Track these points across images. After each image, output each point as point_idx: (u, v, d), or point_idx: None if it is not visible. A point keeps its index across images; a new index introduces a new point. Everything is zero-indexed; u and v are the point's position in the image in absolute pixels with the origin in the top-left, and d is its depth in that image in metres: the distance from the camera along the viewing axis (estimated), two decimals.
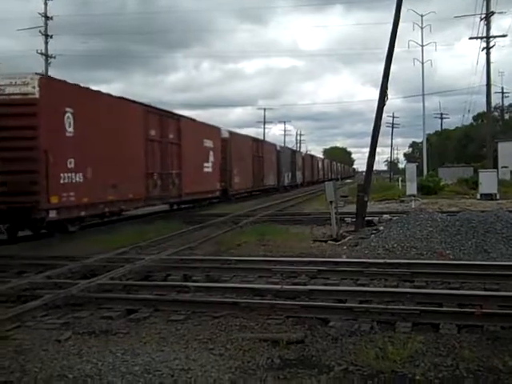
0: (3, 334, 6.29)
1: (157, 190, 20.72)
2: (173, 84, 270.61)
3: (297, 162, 57.21)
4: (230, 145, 31.75)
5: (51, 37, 44.38)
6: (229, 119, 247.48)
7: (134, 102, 19.72)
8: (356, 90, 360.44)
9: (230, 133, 32.17)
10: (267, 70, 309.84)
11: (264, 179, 40.77)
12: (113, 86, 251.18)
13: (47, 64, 43.71)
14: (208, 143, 27.47)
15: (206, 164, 26.98)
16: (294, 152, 58.61)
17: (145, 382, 4.84)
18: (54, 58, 44.25)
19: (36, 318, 7.03)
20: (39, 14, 43.87)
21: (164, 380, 4.87)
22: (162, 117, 21.72)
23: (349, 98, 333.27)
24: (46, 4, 44.08)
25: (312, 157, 75.96)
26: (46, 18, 44.13)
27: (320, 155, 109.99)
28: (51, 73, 39.54)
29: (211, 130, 28.52)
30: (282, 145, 63.86)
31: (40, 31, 43.94)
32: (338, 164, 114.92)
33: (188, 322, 6.81)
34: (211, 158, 27.68)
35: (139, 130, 19.49)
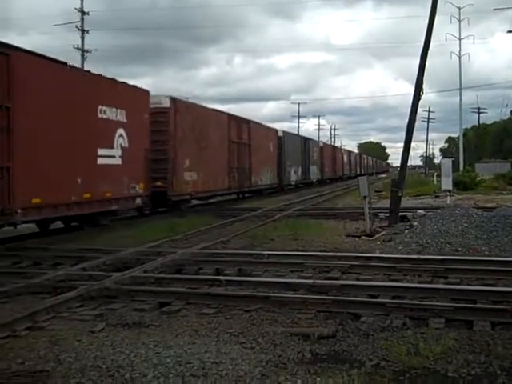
0: (39, 325, 6.42)
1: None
2: (205, 78, 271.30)
3: (311, 153, 46.27)
4: (174, 120, 20.47)
5: (87, 32, 44.98)
6: (262, 113, 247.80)
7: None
8: (389, 84, 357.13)
9: (174, 99, 20.73)
10: (299, 64, 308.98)
11: (253, 176, 30.10)
12: (145, 80, 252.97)
13: (83, 59, 44.26)
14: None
15: None
16: (306, 140, 46.39)
17: (176, 373, 4.88)
18: (90, 52, 44.82)
19: (71, 309, 7.13)
20: (76, 9, 44.49)
21: (195, 372, 4.90)
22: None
23: (382, 93, 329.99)
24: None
25: (334, 148, 66.84)
26: (83, 13, 44.68)
27: (355, 150, 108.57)
28: (87, 67, 39.89)
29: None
30: (294, 132, 53.01)
31: (76, 26, 44.57)
32: (370, 158, 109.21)
33: (219, 315, 6.84)
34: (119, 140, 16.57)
35: (224, 134, 25.55)
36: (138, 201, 17.71)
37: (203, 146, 22.70)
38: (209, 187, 23.65)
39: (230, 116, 27.16)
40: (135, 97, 17.45)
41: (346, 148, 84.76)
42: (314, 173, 48.30)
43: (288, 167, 38.40)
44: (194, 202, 23.72)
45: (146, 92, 18.57)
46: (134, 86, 17.87)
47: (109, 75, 15.94)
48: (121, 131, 16.38)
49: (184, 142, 21.02)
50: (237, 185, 27.47)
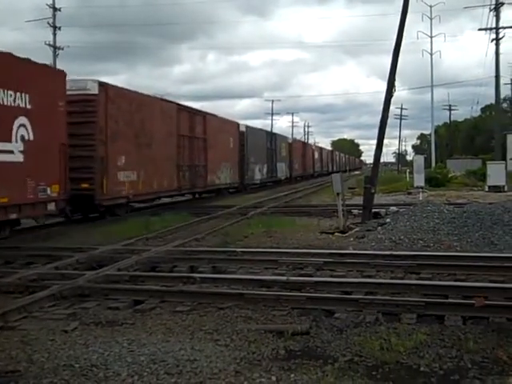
0: (11, 325, 6.35)
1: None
2: (178, 76, 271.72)
3: (278, 149, 44.07)
4: (105, 109, 17.31)
5: (59, 28, 44.46)
6: (235, 111, 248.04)
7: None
8: (361, 81, 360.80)
9: (104, 85, 17.36)
10: (272, 62, 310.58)
11: (210, 174, 27.11)
12: (118, 77, 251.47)
13: (55, 56, 43.75)
14: None
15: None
16: (272, 136, 43.85)
17: (150, 372, 4.87)
18: (62, 49, 44.31)
19: (43, 308, 7.07)
20: (47, 5, 43.95)
21: (169, 370, 4.90)
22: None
23: (354, 90, 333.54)
24: None
25: (304, 144, 63.76)
26: (54, 9, 44.17)
27: (328, 147, 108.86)
28: (59, 65, 39.57)
29: None
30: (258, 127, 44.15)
31: (48, 23, 44.01)
32: (342, 155, 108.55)
33: (194, 312, 6.84)
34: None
35: (172, 127, 22.89)
36: (51, 206, 14.09)
37: (145, 141, 19.60)
38: (152, 188, 20.19)
39: (180, 106, 23.90)
40: (46, 79, 13.94)
41: (320, 145, 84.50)
42: (282, 170, 46.12)
43: (252, 164, 35.80)
44: (140, 205, 21.64)
45: (60, 73, 15.06)
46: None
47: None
48: (22, 120, 12.89)
49: (118, 137, 17.77)
50: (189, 184, 24.32)
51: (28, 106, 13.11)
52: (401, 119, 76.35)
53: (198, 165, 25.48)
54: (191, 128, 24.83)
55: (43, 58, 40.58)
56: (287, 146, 48.44)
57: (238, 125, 33.56)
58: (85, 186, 16.39)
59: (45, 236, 14.32)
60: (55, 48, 43.91)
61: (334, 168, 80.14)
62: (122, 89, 18.83)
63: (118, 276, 8.77)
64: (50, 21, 44.02)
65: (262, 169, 38.66)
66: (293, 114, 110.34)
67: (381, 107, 17.11)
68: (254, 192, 34.11)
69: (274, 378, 4.73)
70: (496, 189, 28.80)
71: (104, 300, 7.47)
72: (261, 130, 42.09)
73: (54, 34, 44.15)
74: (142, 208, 21.73)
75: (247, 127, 35.61)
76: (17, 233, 14.62)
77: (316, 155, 66.54)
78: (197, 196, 28.22)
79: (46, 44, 43.68)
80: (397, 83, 17.00)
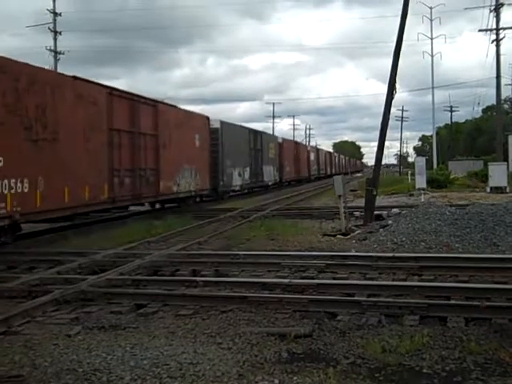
0: (14, 329, 6.36)
1: None
2: (178, 79, 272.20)
3: (265, 150, 38.48)
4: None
5: (60, 33, 44.57)
6: (236, 114, 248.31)
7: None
8: (361, 84, 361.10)
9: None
10: (272, 65, 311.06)
11: (164, 181, 20.68)
12: (119, 81, 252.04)
13: (56, 60, 43.86)
14: None
15: None
16: (257, 134, 37.39)
17: (153, 375, 4.87)
18: (63, 54, 44.43)
19: (46, 313, 7.08)
20: (48, 10, 44.06)
21: (172, 373, 4.91)
22: None
23: (354, 92, 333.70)
24: (54, 1, 44.30)
25: (298, 144, 56.39)
26: (55, 14, 44.29)
27: (330, 149, 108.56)
28: (61, 69, 39.77)
29: None
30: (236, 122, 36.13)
31: (49, 28, 44.16)
32: (342, 156, 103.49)
33: (196, 316, 6.85)
34: None
35: (98, 118, 16.78)
36: None
37: (45, 136, 13.74)
38: (61, 202, 14.22)
39: (114, 91, 17.49)
40: None
41: (321, 147, 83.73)
42: (270, 174, 40.42)
43: (228, 168, 29.85)
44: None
45: None
46: None
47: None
48: None
49: None
50: (128, 194, 17.91)
51: None
52: (402, 121, 76.16)
53: (145, 169, 19.07)
54: (134, 121, 18.40)
55: (45, 62, 40.84)
56: (276, 147, 43.05)
57: (207, 119, 26.61)
58: None
59: (47, 241, 14.33)
60: (56, 53, 44.01)
61: (334, 171, 76.51)
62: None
63: (121, 280, 8.77)
64: (51, 26, 44.17)
65: (242, 173, 32.89)
66: (294, 116, 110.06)
67: (381, 109, 17.14)
68: (225, 202, 27.68)
69: (276, 381, 4.74)
70: (498, 190, 28.79)
71: (107, 304, 7.48)
72: (242, 127, 35.16)
73: (55, 39, 44.33)
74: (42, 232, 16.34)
75: (222, 123, 29.32)
76: (16, 239, 14.65)
77: (312, 157, 61.10)
78: (158, 206, 23.31)
79: (46, 49, 43.85)
80: (397, 85, 17.03)
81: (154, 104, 20.44)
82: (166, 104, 22.44)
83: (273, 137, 45.31)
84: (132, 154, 18.33)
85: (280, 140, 46.21)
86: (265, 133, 41.80)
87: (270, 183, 40.44)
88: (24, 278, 8.92)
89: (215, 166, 27.63)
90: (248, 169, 34.11)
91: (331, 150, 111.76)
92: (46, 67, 18.41)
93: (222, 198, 28.97)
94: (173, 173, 21.82)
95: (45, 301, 7.37)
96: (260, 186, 38.26)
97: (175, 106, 23.35)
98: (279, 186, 43.20)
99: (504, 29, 40.96)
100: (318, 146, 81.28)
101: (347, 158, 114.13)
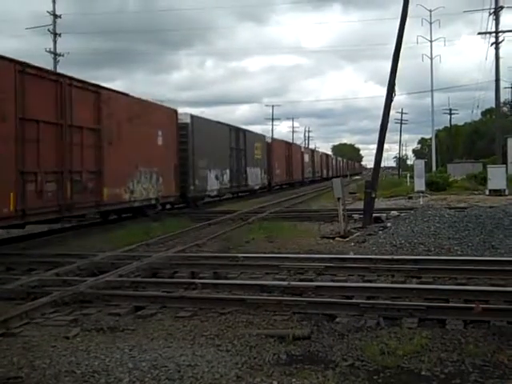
0: (12, 331, 6.36)
1: None
2: (177, 82, 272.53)
3: (249, 150, 34.62)
4: None
5: (60, 35, 44.59)
6: (235, 116, 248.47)
7: None
8: (360, 86, 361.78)
9: None
10: (271, 67, 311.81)
11: (110, 187, 16.76)
12: (117, 83, 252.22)
13: (56, 62, 43.86)
14: None
15: None
16: (239, 132, 33.20)
17: (152, 377, 4.87)
18: (63, 56, 44.42)
19: (45, 314, 7.07)
20: (48, 12, 44.09)
21: (171, 376, 4.90)
22: None
23: (353, 95, 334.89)
24: (54, 2, 44.34)
25: (290, 145, 51.50)
26: (55, 16, 44.31)
27: (329, 152, 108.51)
28: (60, 70, 39.49)
29: None
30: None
31: (49, 30, 44.17)
32: (340, 158, 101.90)
33: (195, 318, 6.84)
34: None
35: None
36: None
37: None
38: None
39: (29, 68, 13.25)
40: None
41: (320, 150, 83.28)
42: (257, 177, 36.48)
43: (202, 170, 25.61)
44: None
45: None
46: None
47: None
48: None
49: None
50: (52, 205, 13.85)
51: None
52: (401, 123, 76.27)
53: (81, 171, 15.29)
54: (62, 109, 14.49)
55: (44, 64, 40.76)
56: (264, 147, 38.98)
57: (175, 113, 22.88)
58: None
59: (45, 243, 14.31)
60: (56, 55, 44.02)
61: (330, 173, 73.78)
62: None
63: (119, 282, 8.77)
64: (51, 28, 44.18)
65: (220, 176, 28.67)
66: (293, 119, 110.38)
67: (380, 112, 17.18)
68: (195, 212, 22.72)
69: (275, 383, 4.74)
70: (497, 192, 28.84)
71: (105, 306, 7.47)
72: (220, 123, 30.56)
73: (55, 41, 44.30)
74: None
75: (194, 117, 24.94)
76: (16, 240, 14.67)
77: (306, 158, 57.46)
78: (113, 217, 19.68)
79: (46, 51, 43.83)
80: (396, 88, 17.06)
81: (95, 90, 16.37)
82: (114, 91, 17.83)
83: (259, 136, 40.22)
84: (59, 152, 14.25)
85: (268, 140, 42.51)
86: (249, 131, 37.20)
87: (256, 187, 36.52)
88: (23, 280, 8.91)
89: (184, 167, 23.58)
90: (228, 171, 30.05)
91: (330, 152, 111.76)
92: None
93: (196, 206, 25.16)
94: (124, 177, 17.67)
95: (43, 302, 7.36)
96: (244, 191, 34.47)
97: (127, 95, 18.65)
98: (268, 190, 40.09)
99: (503, 32, 41.09)
100: (317, 149, 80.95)
101: (345, 160, 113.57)
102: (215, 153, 27.44)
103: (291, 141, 68.17)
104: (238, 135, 32.54)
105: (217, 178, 28.03)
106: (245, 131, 34.98)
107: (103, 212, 18.01)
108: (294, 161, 49.38)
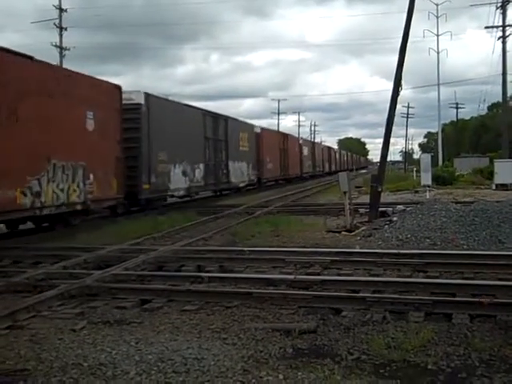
0: (20, 324, 6.38)
1: None
2: (182, 76, 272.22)
3: (233, 141, 29.53)
4: None
5: (65, 29, 44.53)
6: (240, 110, 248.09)
7: None
8: (365, 80, 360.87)
9: None
10: (276, 62, 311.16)
11: (3, 188, 11.79)
12: (122, 78, 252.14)
13: (62, 56, 43.83)
14: None
15: None
16: (218, 119, 27.85)
17: (158, 370, 4.88)
18: (69, 50, 44.33)
19: (51, 307, 7.10)
20: (54, 6, 44.02)
21: (177, 368, 4.92)
22: None
23: (358, 89, 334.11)
24: None
25: (285, 136, 45.32)
26: (61, 10, 44.25)
27: (335, 146, 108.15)
28: (66, 65, 39.56)
29: None
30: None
31: (55, 24, 44.09)
32: (343, 152, 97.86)
33: (201, 311, 6.85)
34: None
35: None
36: None
37: None
38: None
39: None
40: None
41: (326, 144, 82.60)
42: (242, 173, 31.55)
43: (163, 164, 20.66)
44: None
45: None
46: None
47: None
48: None
49: None
50: None
51: None
52: (407, 117, 76.06)
53: None
54: None
55: (50, 58, 40.80)
56: (252, 138, 33.82)
57: (119, 90, 17.66)
58: None
59: (50, 236, 14.35)
60: (62, 49, 43.99)
61: (333, 168, 69.81)
62: None
63: (126, 275, 8.79)
64: (56, 22, 44.13)
65: (191, 172, 23.68)
66: (299, 113, 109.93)
67: (386, 106, 17.12)
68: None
69: (281, 377, 4.74)
70: (503, 187, 28.73)
71: (112, 299, 7.50)
72: (189, 106, 25.34)
73: (61, 35, 44.19)
74: None
75: (150, 97, 19.76)
76: (22, 233, 14.71)
77: (305, 152, 52.29)
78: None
79: (52, 45, 43.77)
80: (402, 82, 16.98)
81: None
82: (11, 51, 12.66)
83: (246, 125, 34.15)
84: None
85: (258, 130, 36.36)
86: (232, 118, 30.91)
87: (240, 185, 31.51)
88: (30, 273, 8.95)
89: (135, 161, 18.65)
90: (202, 166, 24.93)
91: (336, 146, 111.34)
92: (54, 63, 17.60)
93: (155, 208, 19.92)
94: (20, 174, 12.56)
95: (50, 295, 7.39)
96: (224, 189, 29.57)
97: (32, 58, 13.36)
98: (257, 187, 34.93)
99: (510, 26, 40.84)
100: (323, 143, 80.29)
101: (350, 153, 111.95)
102: (183, 143, 22.26)
103: (297, 135, 66.23)
104: (216, 123, 27.15)
105: (185, 174, 22.98)
106: (226, 118, 29.24)
107: None
108: (290, 154, 44.41)
